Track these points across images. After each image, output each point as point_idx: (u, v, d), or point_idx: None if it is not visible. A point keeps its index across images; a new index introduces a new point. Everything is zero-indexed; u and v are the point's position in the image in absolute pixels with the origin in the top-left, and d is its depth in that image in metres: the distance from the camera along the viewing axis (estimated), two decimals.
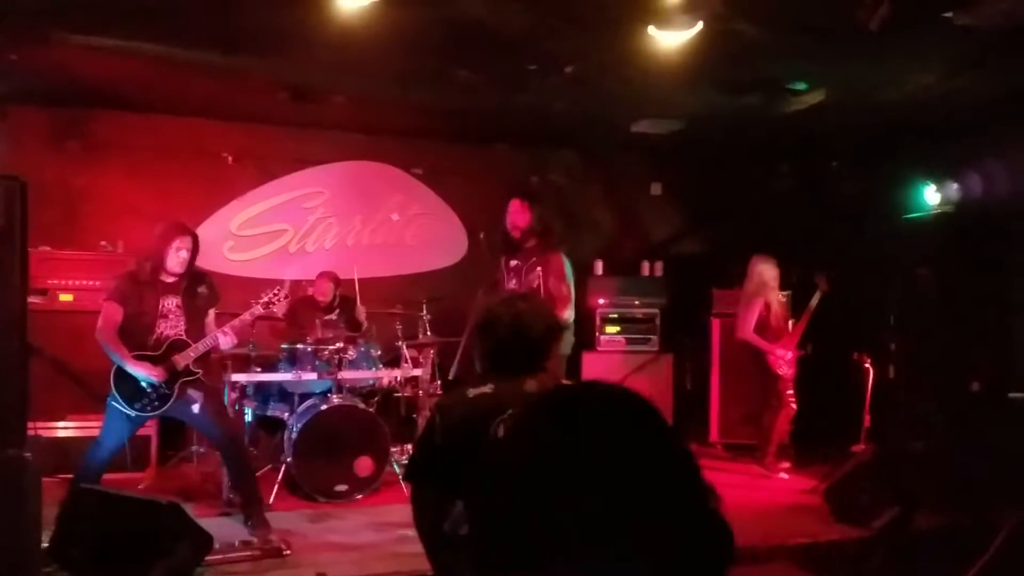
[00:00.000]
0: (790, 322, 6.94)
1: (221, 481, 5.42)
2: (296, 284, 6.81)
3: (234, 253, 7.28)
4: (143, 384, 4.66)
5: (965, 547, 4.50)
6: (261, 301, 5.11)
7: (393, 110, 6.86)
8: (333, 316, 6.47)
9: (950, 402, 6.12)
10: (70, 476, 5.36)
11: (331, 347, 5.91)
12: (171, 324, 4.80)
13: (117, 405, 4.68)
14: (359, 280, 6.66)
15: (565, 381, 2.76)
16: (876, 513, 5.13)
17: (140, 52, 5.35)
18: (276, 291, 5.15)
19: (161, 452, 6.20)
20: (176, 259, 4.77)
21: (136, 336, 4.71)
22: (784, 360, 6.65)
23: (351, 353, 6.07)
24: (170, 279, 4.82)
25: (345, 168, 7.68)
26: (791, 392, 6.67)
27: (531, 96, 6.22)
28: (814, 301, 6.69)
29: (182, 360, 4.75)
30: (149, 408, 4.75)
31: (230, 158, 7.17)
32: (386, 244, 7.79)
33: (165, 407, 4.78)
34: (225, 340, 4.86)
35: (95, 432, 5.84)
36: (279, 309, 5.44)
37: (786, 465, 6.71)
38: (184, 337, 4.80)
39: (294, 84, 6.11)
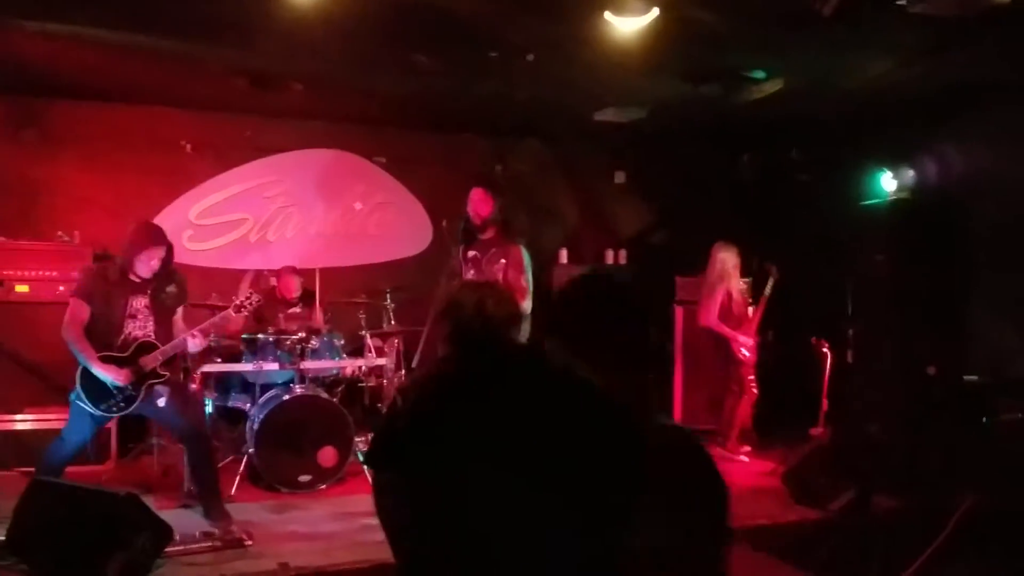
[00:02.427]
0: (750, 309, 7.04)
1: (182, 473, 5.38)
2: (258, 274, 6.79)
3: (193, 243, 7.20)
4: (109, 385, 4.59)
5: (921, 529, 4.61)
6: (233, 304, 5.09)
7: (354, 98, 6.82)
8: (297, 309, 6.44)
9: (906, 386, 6.23)
10: (28, 469, 5.30)
11: (293, 337, 5.87)
12: (139, 324, 4.71)
13: (82, 404, 4.60)
14: (322, 270, 6.61)
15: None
16: (834, 495, 5.21)
17: (95, 39, 5.28)
18: (249, 295, 5.14)
19: (121, 444, 6.13)
20: (146, 267, 4.69)
21: (103, 336, 4.61)
22: (746, 346, 6.79)
23: (314, 343, 6.03)
24: (137, 278, 4.72)
25: (306, 156, 7.62)
26: (752, 378, 6.83)
27: (493, 84, 6.21)
28: (768, 289, 6.84)
29: (150, 362, 4.67)
30: (115, 408, 4.68)
31: (188, 147, 7.09)
32: (349, 233, 7.75)
33: (131, 408, 4.71)
34: (194, 343, 4.81)
35: (54, 425, 5.79)
36: (249, 313, 5.42)
37: (747, 449, 6.80)
38: (152, 339, 4.72)
39: (251, 71, 6.05)
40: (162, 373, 4.76)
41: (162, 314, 4.81)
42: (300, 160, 7.59)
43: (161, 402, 4.75)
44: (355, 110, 7.30)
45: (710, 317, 6.80)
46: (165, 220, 7.06)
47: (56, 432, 5.73)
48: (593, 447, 1.70)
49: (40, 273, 6.12)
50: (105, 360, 4.57)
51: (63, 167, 6.78)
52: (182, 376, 5.48)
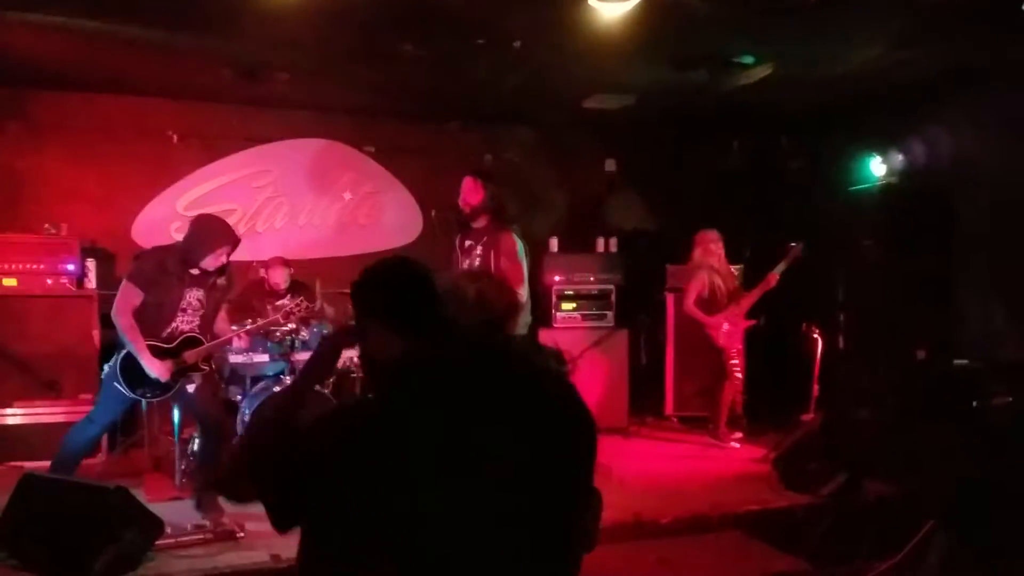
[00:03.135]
0: (740, 293, 6.99)
1: (173, 465, 5.37)
2: (247, 265, 6.75)
3: (181, 234, 7.08)
4: (150, 376, 4.56)
5: (911, 514, 4.63)
6: (282, 311, 5.17)
7: (342, 87, 6.78)
8: (285, 301, 6.41)
9: (897, 370, 6.26)
10: (17, 464, 5.30)
11: (284, 328, 5.85)
12: (188, 319, 4.68)
13: (119, 386, 4.56)
14: (312, 261, 6.59)
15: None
16: (824, 481, 5.24)
17: (80, 30, 5.22)
18: (299, 302, 5.25)
19: (112, 437, 6.11)
20: (216, 262, 4.65)
21: (150, 325, 4.56)
22: (720, 332, 6.75)
23: (304, 334, 6.01)
24: (197, 272, 4.66)
25: (294, 146, 7.58)
26: (735, 363, 6.79)
27: (480, 71, 6.18)
28: (781, 265, 6.65)
29: (192, 357, 4.67)
30: (149, 394, 4.66)
31: (175, 137, 7.05)
32: (339, 223, 7.73)
33: (167, 395, 4.72)
34: (238, 344, 4.83)
35: (43, 419, 5.80)
36: (297, 321, 5.50)
37: (738, 435, 6.82)
38: (198, 334, 4.71)
39: (236, 61, 6.02)
40: (203, 367, 4.76)
41: (211, 308, 4.80)
42: (289, 150, 7.55)
43: (191, 387, 4.75)
44: (343, 100, 7.26)
45: (687, 302, 6.86)
46: (152, 211, 7.05)
47: (45, 426, 5.78)
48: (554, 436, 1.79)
49: (28, 266, 6.08)
50: (151, 349, 4.54)
51: (48, 159, 6.74)
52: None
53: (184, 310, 4.67)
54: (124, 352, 4.55)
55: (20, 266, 6.09)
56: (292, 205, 7.55)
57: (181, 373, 4.67)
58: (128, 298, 4.52)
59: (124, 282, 4.62)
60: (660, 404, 7.79)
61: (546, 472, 1.77)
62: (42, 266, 6.06)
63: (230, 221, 7.20)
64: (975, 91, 6.32)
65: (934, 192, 6.51)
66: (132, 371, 4.55)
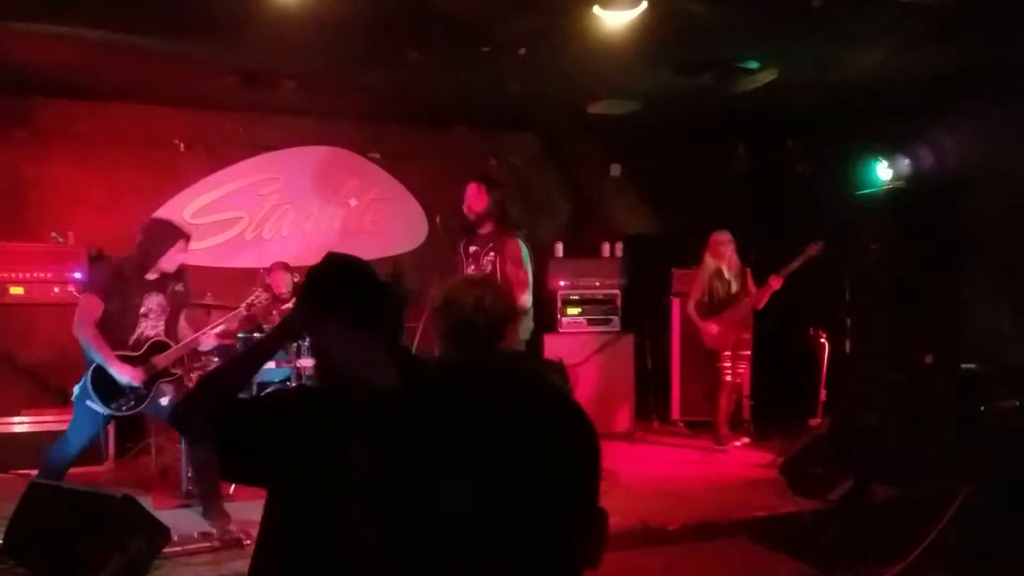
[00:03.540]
0: (741, 297, 6.89)
1: (180, 473, 5.37)
2: (253, 272, 6.77)
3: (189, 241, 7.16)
4: (122, 384, 4.54)
5: (919, 518, 4.61)
6: (245, 303, 5.08)
7: (347, 94, 6.80)
8: (290, 307, 6.42)
9: (904, 375, 6.23)
10: (25, 472, 5.29)
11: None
12: (151, 323, 4.67)
13: (91, 404, 4.54)
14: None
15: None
16: (832, 486, 5.21)
17: (85, 38, 5.24)
18: (257, 294, 5.15)
19: (119, 445, 6.12)
20: (173, 261, 4.66)
21: (115, 333, 4.55)
22: (710, 335, 6.78)
23: (310, 340, 6.01)
24: (154, 276, 4.67)
25: (300, 153, 7.59)
26: (727, 366, 6.79)
27: (486, 78, 6.19)
28: (795, 264, 6.55)
29: (162, 361, 4.65)
30: (125, 407, 4.62)
31: (181, 145, 7.07)
32: (345, 230, 7.73)
33: (141, 407, 4.67)
34: (207, 343, 4.81)
35: (50, 427, 5.79)
36: (261, 311, 5.41)
37: (743, 440, 6.79)
38: (164, 338, 4.70)
39: (242, 69, 6.03)
40: (173, 372, 4.74)
41: (172, 312, 4.79)
42: (294, 157, 7.57)
43: (164, 400, 4.72)
44: (348, 106, 7.28)
45: (688, 304, 6.93)
46: None
47: (53, 434, 5.77)
48: (555, 447, 1.80)
49: (34, 275, 6.10)
50: (120, 359, 4.53)
51: (55, 167, 6.75)
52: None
53: (146, 315, 4.65)
54: (93, 366, 4.53)
55: (27, 274, 6.12)
56: (298, 212, 7.57)
57: (153, 379, 4.65)
58: (89, 310, 4.52)
59: (83, 295, 4.64)
60: (666, 408, 7.78)
61: (536, 487, 1.76)
62: (49, 274, 6.08)
63: (237, 229, 7.37)
64: (981, 94, 6.30)
65: (940, 196, 6.49)
66: (104, 384, 4.52)
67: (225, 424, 1.93)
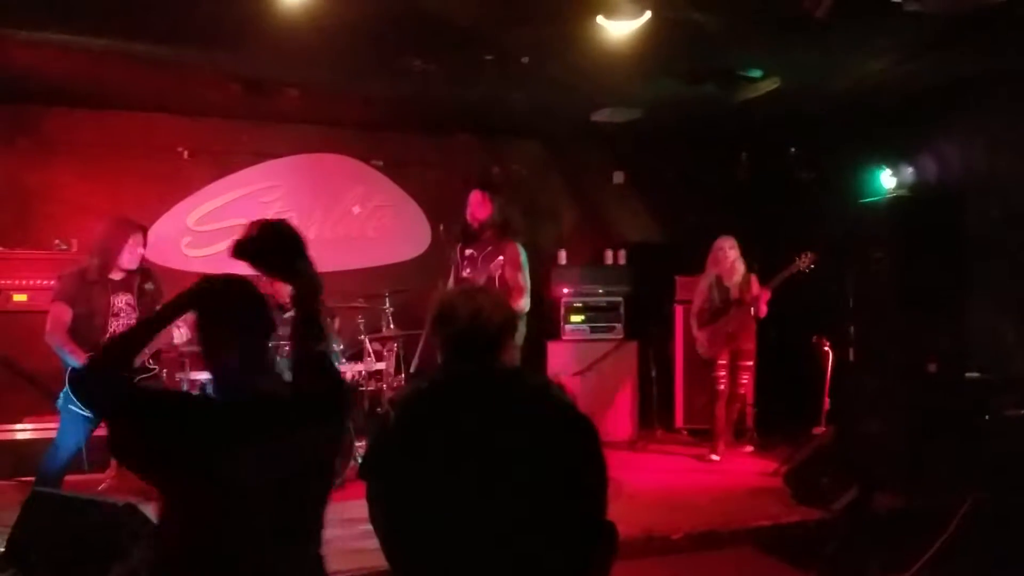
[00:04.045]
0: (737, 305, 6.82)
1: None
2: (255, 280, 6.76)
3: (192, 249, 7.19)
4: None
5: (924, 527, 4.59)
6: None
7: (350, 102, 6.80)
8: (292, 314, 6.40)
9: (908, 383, 6.21)
10: (27, 479, 5.28)
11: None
12: (123, 323, 4.71)
13: (74, 408, 4.55)
14: (321, 274, 6.57)
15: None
16: (836, 495, 5.20)
17: (88, 47, 5.25)
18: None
19: None
20: (132, 256, 4.70)
21: (88, 336, 4.59)
22: (701, 343, 6.79)
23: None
24: (119, 276, 4.74)
25: (303, 161, 7.60)
26: (721, 375, 6.76)
27: (489, 86, 6.20)
28: (785, 274, 6.60)
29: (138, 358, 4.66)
30: None
31: (185, 153, 7.09)
32: (348, 237, 7.73)
33: None
34: (179, 333, 4.78)
35: (53, 434, 5.76)
36: None
37: (748, 449, 6.78)
38: None
39: (245, 78, 6.04)
40: (151, 368, 4.75)
41: (144, 311, 4.79)
42: (297, 165, 7.57)
43: None
44: (351, 114, 7.29)
45: (691, 312, 6.88)
46: (163, 227, 7.07)
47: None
48: (563, 457, 1.81)
49: (38, 282, 6.10)
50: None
51: (59, 175, 6.76)
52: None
53: (116, 315, 4.70)
54: (69, 371, 4.56)
55: (30, 282, 6.12)
56: (301, 220, 7.55)
57: (131, 376, 4.64)
58: (58, 316, 4.58)
59: (52, 304, 4.67)
60: (670, 416, 7.76)
61: (543, 500, 1.76)
62: (52, 282, 6.06)
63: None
64: (985, 102, 6.29)
65: (944, 204, 6.47)
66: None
67: (116, 404, 2.18)
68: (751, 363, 6.85)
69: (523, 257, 5.26)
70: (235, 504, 2.04)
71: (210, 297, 2.38)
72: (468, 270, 5.31)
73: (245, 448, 2.06)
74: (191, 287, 2.41)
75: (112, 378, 2.28)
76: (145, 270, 4.91)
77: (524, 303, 5.11)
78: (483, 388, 1.91)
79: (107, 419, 2.19)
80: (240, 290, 2.43)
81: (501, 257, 5.23)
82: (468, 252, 5.38)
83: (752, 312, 6.69)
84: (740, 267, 6.79)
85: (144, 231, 4.80)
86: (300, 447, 2.18)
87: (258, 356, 2.38)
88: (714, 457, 6.66)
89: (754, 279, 6.84)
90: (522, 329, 5.20)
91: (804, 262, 6.56)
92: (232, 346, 2.29)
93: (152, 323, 2.52)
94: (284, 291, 6.44)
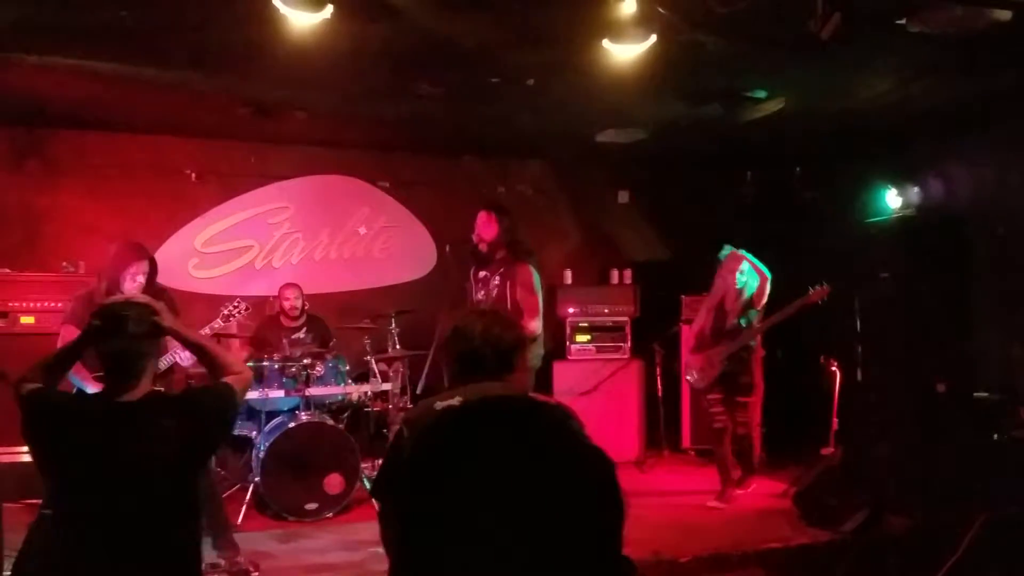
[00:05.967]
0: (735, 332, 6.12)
1: None
2: (263, 301, 6.78)
3: (199, 270, 7.21)
4: None
5: (934, 548, 4.56)
6: (221, 315, 5.06)
7: (357, 124, 6.84)
8: (301, 335, 6.43)
9: (916, 403, 6.19)
10: (34, 501, 5.26)
11: (298, 363, 5.86)
12: None
13: None
14: (327, 295, 6.61)
15: (533, 394, 2.75)
16: (846, 516, 5.16)
17: (98, 71, 5.29)
18: (236, 304, 5.09)
19: None
20: (132, 285, 4.68)
21: (95, 359, 4.60)
22: (691, 368, 6.23)
23: (319, 369, 6.03)
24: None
25: (310, 182, 7.63)
26: (715, 410, 6.12)
27: (495, 108, 6.23)
28: (796, 304, 5.94)
29: None
30: None
31: (193, 175, 7.12)
32: (354, 258, 7.75)
33: None
34: (185, 356, 4.78)
35: None
36: (239, 322, 5.38)
37: (751, 487, 6.26)
38: None
39: (254, 100, 6.08)
40: (156, 389, 4.73)
41: None
42: (304, 186, 7.61)
43: None
44: (358, 136, 7.33)
45: (692, 330, 6.45)
46: (171, 248, 7.09)
47: None
48: (581, 491, 1.80)
49: (46, 304, 6.10)
50: (100, 381, 4.53)
51: (67, 197, 6.80)
52: None
53: None
54: (75, 391, 4.54)
55: (38, 304, 6.12)
56: (308, 240, 7.59)
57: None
58: (67, 339, 4.55)
59: (61, 326, 4.66)
60: (677, 436, 7.73)
61: (557, 534, 1.75)
62: (60, 304, 6.07)
63: (247, 257, 7.39)
64: (990, 123, 6.31)
65: (951, 224, 6.47)
66: None
67: (26, 404, 2.60)
68: (747, 400, 6.06)
69: (535, 278, 5.24)
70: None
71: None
72: (481, 292, 5.31)
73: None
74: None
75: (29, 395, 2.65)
76: (157, 291, 4.87)
77: (536, 325, 5.07)
78: (502, 416, 1.91)
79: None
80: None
81: (507, 279, 5.22)
82: (481, 274, 5.38)
83: (738, 343, 5.98)
84: (744, 293, 6.09)
85: (150, 260, 4.78)
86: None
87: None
88: (718, 504, 5.98)
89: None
90: (538, 351, 5.17)
91: (817, 295, 5.89)
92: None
93: (72, 347, 2.91)
94: (290, 294, 6.47)
